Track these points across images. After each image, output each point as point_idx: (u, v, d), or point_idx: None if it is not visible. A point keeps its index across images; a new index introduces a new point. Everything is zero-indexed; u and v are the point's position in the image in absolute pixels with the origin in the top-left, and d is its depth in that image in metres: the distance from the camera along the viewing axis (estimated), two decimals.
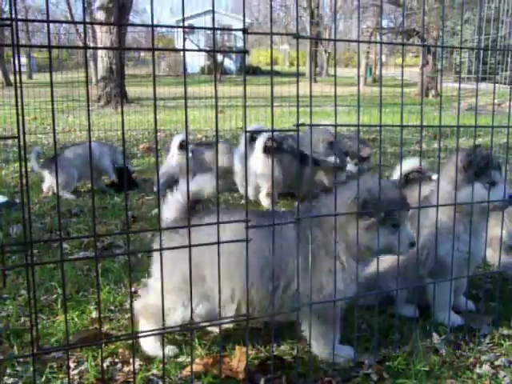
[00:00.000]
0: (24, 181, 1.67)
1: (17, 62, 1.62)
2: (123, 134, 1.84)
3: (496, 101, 2.49)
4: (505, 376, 2.31)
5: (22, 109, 1.60)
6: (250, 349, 2.53)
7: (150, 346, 2.51)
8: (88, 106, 1.76)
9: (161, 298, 1.99)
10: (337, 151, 5.20)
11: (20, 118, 1.59)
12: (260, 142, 5.24)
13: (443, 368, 2.38)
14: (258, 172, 5.33)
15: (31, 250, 1.75)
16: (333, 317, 2.41)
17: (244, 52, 1.94)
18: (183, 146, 5.72)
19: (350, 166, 5.78)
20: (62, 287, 1.91)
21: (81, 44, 23.15)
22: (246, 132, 2.29)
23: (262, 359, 2.42)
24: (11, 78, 28.95)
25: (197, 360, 2.37)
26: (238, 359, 2.36)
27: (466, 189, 2.71)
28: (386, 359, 2.45)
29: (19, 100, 1.59)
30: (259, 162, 5.28)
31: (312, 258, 2.31)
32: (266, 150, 5.17)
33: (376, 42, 2.57)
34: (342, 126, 2.27)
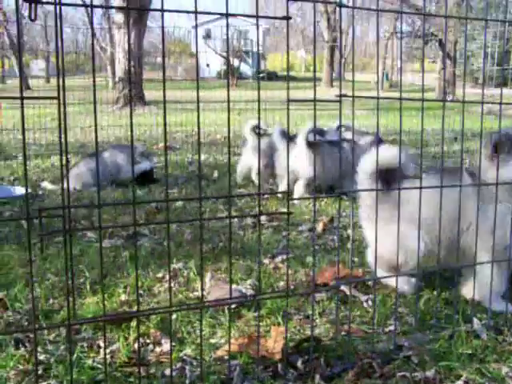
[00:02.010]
0: (64, 159, 1.62)
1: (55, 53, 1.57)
2: (165, 135, 1.79)
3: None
4: None
5: (64, 96, 1.56)
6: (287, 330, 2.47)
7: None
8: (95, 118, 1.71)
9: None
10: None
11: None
12: (302, 136, 5.18)
13: (486, 352, 2.30)
14: (298, 165, 5.26)
15: (69, 214, 1.70)
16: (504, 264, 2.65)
17: (287, 18, 1.89)
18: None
19: None
20: (99, 254, 1.85)
21: (99, 49, 23.28)
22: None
23: (298, 341, 2.35)
24: (29, 82, 29.32)
25: (231, 340, 2.31)
26: (274, 340, 2.29)
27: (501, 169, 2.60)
28: (426, 342, 2.38)
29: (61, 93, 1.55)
30: (301, 155, 5.22)
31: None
32: (309, 143, 5.12)
33: (398, 12, 2.50)
34: (383, 98, 2.20)
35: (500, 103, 2.54)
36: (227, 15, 1.81)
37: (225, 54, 34.30)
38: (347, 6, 2.04)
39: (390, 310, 2.69)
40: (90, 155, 6.42)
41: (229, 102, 1.84)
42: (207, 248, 3.68)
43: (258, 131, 5.53)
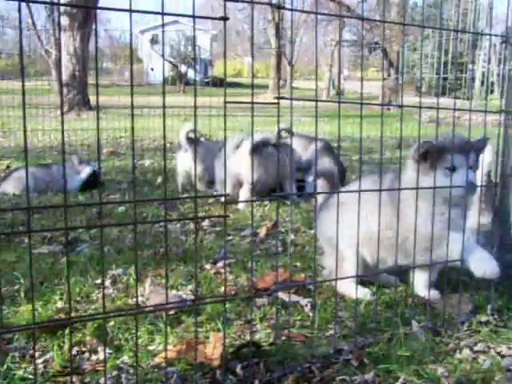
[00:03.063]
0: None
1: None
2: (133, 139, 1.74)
3: (456, 114, 2.47)
4: (485, 360, 2.27)
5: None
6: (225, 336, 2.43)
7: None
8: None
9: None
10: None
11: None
12: (247, 144, 5.17)
13: (424, 353, 2.32)
14: (241, 170, 5.25)
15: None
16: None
17: (224, 19, 1.87)
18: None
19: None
20: (29, 259, 1.77)
21: (43, 52, 22.71)
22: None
23: (237, 346, 2.32)
24: None
25: (169, 347, 2.26)
26: (214, 345, 2.25)
27: (426, 177, 2.66)
28: (366, 346, 2.38)
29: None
30: (244, 160, 5.20)
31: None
32: (252, 150, 5.11)
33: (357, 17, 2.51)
34: (322, 101, 2.21)
35: (437, 108, 2.58)
36: (162, 14, 1.77)
37: (172, 59, 34.13)
38: (285, 8, 2.03)
39: (330, 314, 2.69)
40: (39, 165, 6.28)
41: (164, 107, 1.80)
42: (148, 253, 3.61)
43: (194, 136, 5.58)
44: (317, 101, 2.12)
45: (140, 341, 2.41)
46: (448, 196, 2.59)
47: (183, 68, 32.95)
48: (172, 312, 2.63)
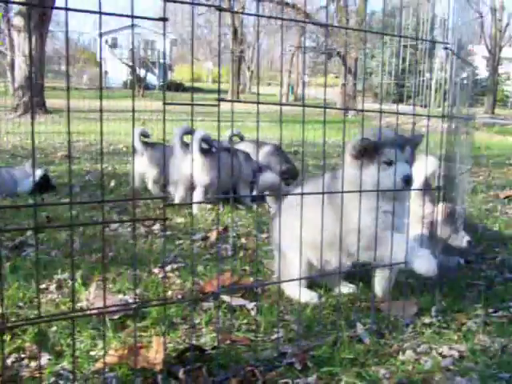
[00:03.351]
0: None
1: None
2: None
3: (411, 120, 2.50)
4: (426, 361, 2.30)
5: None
6: (169, 341, 2.40)
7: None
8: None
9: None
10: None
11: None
12: (196, 144, 5.12)
13: (367, 356, 2.34)
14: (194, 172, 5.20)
15: None
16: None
17: (164, 20, 1.85)
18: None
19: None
20: None
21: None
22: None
23: (181, 350, 2.30)
24: None
25: (110, 352, 2.22)
26: (156, 350, 2.22)
27: (364, 172, 2.65)
28: (310, 349, 2.38)
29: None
30: (196, 162, 5.14)
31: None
32: (202, 150, 5.08)
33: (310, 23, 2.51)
34: (263, 103, 2.20)
35: (397, 113, 2.60)
36: (100, 13, 1.74)
37: (131, 63, 33.82)
38: (227, 10, 2.03)
39: (277, 317, 2.68)
40: None
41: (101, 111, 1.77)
42: (96, 257, 3.55)
43: (145, 139, 5.69)
44: (258, 103, 2.11)
45: (82, 346, 2.36)
46: (387, 191, 2.64)
47: (142, 72, 32.72)
48: (116, 317, 2.59)
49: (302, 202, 2.37)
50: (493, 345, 2.43)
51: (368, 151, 2.71)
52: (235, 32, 34.95)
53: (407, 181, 2.70)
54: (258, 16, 2.37)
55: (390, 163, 2.71)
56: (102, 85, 1.94)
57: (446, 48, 2.70)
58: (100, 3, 1.74)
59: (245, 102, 2.38)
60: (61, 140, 11.23)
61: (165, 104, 1.85)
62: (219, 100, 1.93)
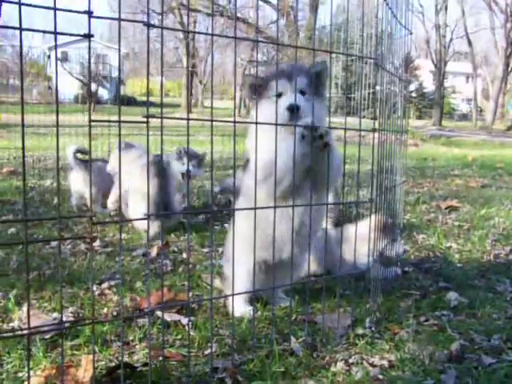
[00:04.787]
0: None
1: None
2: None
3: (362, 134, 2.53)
4: (357, 371, 2.33)
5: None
6: (101, 358, 2.38)
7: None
8: None
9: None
10: None
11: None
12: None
13: (299, 369, 2.35)
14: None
15: None
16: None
17: (89, 36, 1.85)
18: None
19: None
20: None
21: None
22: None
23: (111, 368, 2.27)
24: None
25: (38, 372, 2.19)
26: (85, 368, 2.19)
27: (258, 110, 2.56)
28: (243, 363, 2.39)
29: None
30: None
31: None
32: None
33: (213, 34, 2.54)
34: (193, 120, 2.22)
35: (344, 128, 2.62)
36: (20, 30, 1.73)
37: (82, 77, 33.43)
38: (155, 26, 2.04)
39: (211, 332, 2.68)
40: None
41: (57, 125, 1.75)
42: (33, 275, 3.49)
43: (80, 156, 5.75)
44: (188, 119, 2.12)
45: (10, 367, 2.31)
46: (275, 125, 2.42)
47: (93, 86, 32.35)
48: (47, 336, 2.55)
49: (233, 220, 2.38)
50: (421, 353, 2.48)
51: (259, 88, 2.71)
52: (187, 45, 34.99)
53: (291, 110, 2.57)
54: (208, 34, 2.38)
55: (279, 95, 2.65)
56: (57, 99, 1.92)
57: (375, 64, 2.76)
58: (20, 17, 1.73)
59: (174, 119, 2.36)
60: (6, 155, 10.99)
61: (90, 121, 1.84)
62: (148, 117, 1.93)
